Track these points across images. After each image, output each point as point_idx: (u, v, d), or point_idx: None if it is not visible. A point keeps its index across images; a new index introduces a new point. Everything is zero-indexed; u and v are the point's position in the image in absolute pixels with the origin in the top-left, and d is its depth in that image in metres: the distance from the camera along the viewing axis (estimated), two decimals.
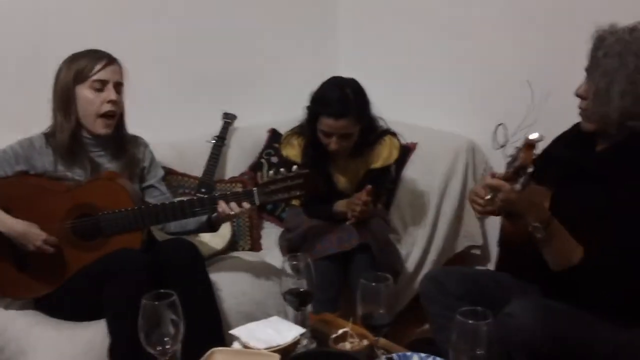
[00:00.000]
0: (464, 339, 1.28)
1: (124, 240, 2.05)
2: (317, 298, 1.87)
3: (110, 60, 2.10)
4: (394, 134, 2.51)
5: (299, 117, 2.49)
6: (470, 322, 1.27)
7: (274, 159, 2.97)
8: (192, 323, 1.44)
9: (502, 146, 2.79)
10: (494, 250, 2.86)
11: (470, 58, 2.92)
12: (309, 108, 2.42)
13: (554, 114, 1.98)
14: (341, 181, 2.55)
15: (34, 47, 2.48)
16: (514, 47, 2.75)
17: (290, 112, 2.62)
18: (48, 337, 1.97)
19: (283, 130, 2.68)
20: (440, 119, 3.03)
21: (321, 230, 2.43)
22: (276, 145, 2.93)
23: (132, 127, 2.28)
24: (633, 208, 1.61)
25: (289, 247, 2.49)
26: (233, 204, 2.03)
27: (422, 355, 1.52)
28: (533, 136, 1.50)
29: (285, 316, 2.04)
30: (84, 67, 2.07)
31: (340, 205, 2.46)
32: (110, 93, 2.08)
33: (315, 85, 2.42)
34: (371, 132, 2.47)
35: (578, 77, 1.76)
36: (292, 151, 2.48)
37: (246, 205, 2.03)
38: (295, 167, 2.02)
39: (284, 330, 1.64)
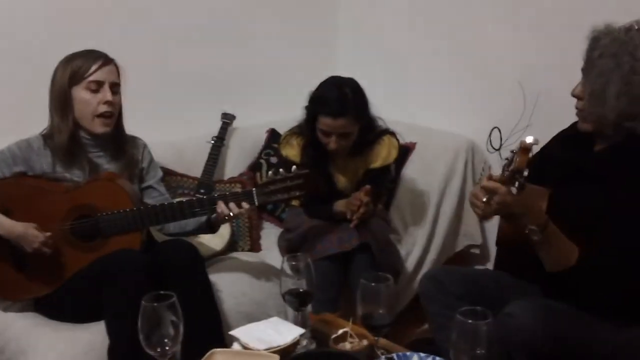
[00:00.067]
0: (464, 339, 1.28)
1: (123, 241, 2.05)
2: (317, 298, 1.87)
3: (106, 60, 2.10)
4: (392, 134, 2.51)
5: (298, 117, 2.49)
6: (470, 321, 1.27)
7: (273, 159, 2.97)
8: (191, 324, 1.44)
9: (497, 150, 2.81)
10: (493, 250, 2.86)
11: (470, 58, 2.93)
12: (307, 108, 2.42)
13: (549, 115, 1.98)
14: (341, 181, 2.55)
15: (32, 47, 2.47)
16: (513, 48, 2.76)
17: (289, 112, 2.62)
18: (48, 338, 1.97)
19: (282, 130, 2.68)
20: (439, 119, 3.03)
21: (321, 230, 2.43)
22: (275, 145, 2.92)
23: (131, 127, 2.28)
24: (631, 208, 1.61)
25: (289, 248, 2.49)
26: (232, 205, 2.03)
27: (422, 355, 1.52)
28: (528, 140, 1.50)
29: (285, 317, 2.04)
30: (79, 68, 2.06)
31: (340, 205, 2.46)
32: (106, 94, 2.08)
33: (314, 85, 2.42)
34: (370, 131, 2.47)
35: (574, 77, 1.75)
36: (292, 151, 2.48)
37: (245, 205, 2.03)
38: (294, 167, 2.02)
39: (284, 331, 1.64)
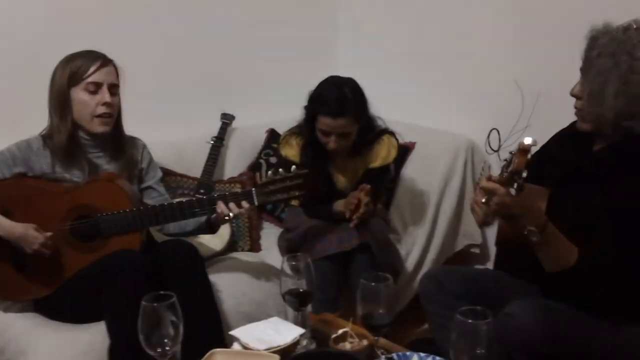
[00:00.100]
0: (463, 339, 1.28)
1: (123, 241, 2.05)
2: (317, 298, 1.87)
3: (104, 61, 2.10)
4: (392, 133, 2.51)
5: (297, 117, 2.49)
6: (470, 321, 1.27)
7: (273, 159, 2.97)
8: (191, 324, 1.44)
9: (496, 151, 2.81)
10: (493, 249, 2.86)
11: (469, 57, 2.93)
12: (307, 107, 2.42)
13: (548, 116, 1.98)
14: (340, 181, 2.55)
15: (31, 47, 2.47)
16: (512, 48, 2.76)
17: (288, 112, 2.62)
18: (48, 339, 1.97)
19: (282, 130, 2.68)
20: (439, 118, 3.03)
21: (321, 230, 2.43)
22: (275, 145, 2.92)
23: (131, 127, 2.28)
24: (629, 208, 1.61)
25: (289, 248, 2.49)
26: (232, 205, 2.03)
27: (422, 355, 1.52)
28: (527, 141, 1.50)
29: (285, 317, 2.04)
30: (78, 69, 2.06)
31: (339, 205, 2.46)
32: (104, 95, 2.08)
33: (313, 85, 2.42)
34: (369, 131, 2.47)
35: (573, 78, 1.75)
36: (291, 151, 2.48)
37: (245, 205, 2.02)
38: (294, 167, 2.02)
39: (284, 331, 1.64)
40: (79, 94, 2.07)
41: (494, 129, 2.82)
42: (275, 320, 1.74)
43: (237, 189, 2.70)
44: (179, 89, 2.93)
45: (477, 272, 2.11)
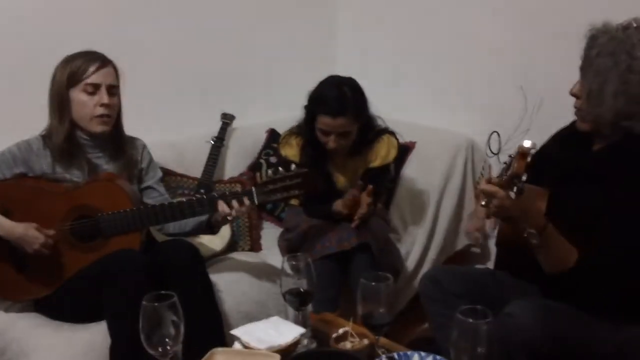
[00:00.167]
0: (464, 338, 1.28)
1: (123, 241, 2.05)
2: (317, 298, 1.87)
3: (103, 62, 2.10)
4: (392, 133, 2.51)
5: (297, 117, 2.49)
6: (470, 320, 1.27)
7: (273, 159, 2.97)
8: (192, 324, 1.45)
9: (496, 154, 2.81)
10: (493, 249, 2.86)
11: (470, 58, 2.93)
12: (306, 107, 2.42)
13: (549, 119, 1.98)
14: (340, 180, 2.55)
15: (31, 47, 2.47)
16: (515, 50, 2.76)
17: (288, 112, 2.62)
18: (48, 339, 1.97)
19: (282, 130, 2.68)
20: (439, 118, 3.03)
21: (321, 229, 2.44)
22: (275, 145, 2.93)
23: (131, 127, 2.28)
24: (629, 208, 1.61)
25: (289, 247, 2.49)
26: (233, 203, 2.03)
27: (423, 354, 1.51)
28: (526, 144, 1.50)
29: (285, 316, 2.04)
30: (77, 70, 2.06)
31: (339, 205, 2.45)
32: (102, 96, 2.07)
33: (313, 85, 2.42)
34: (369, 130, 2.47)
35: (574, 81, 1.75)
36: (291, 151, 2.48)
37: (246, 202, 2.02)
38: (293, 166, 2.02)
39: (285, 330, 1.64)
40: (77, 95, 2.07)
41: (494, 131, 2.82)
42: (275, 320, 1.74)
43: (238, 188, 2.70)
44: (179, 89, 2.93)
45: (477, 272, 2.10)
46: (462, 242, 2.95)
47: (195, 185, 2.74)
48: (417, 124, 3.01)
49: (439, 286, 1.89)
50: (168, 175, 2.65)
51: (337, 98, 2.32)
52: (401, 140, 2.59)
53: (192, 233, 2.26)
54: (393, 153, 2.49)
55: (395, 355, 1.50)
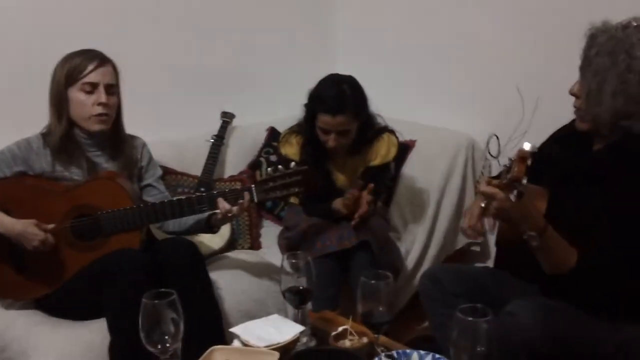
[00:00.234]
0: (464, 336, 1.28)
1: (123, 240, 2.05)
2: (317, 296, 1.87)
3: (101, 61, 2.09)
4: (392, 131, 2.51)
5: (297, 116, 2.49)
6: (470, 319, 1.27)
7: (273, 158, 2.97)
8: (192, 321, 1.45)
9: (495, 157, 2.80)
10: (493, 247, 2.86)
11: (470, 56, 2.93)
12: (306, 106, 2.42)
13: (548, 121, 1.97)
14: (340, 179, 2.55)
15: (31, 47, 2.47)
16: (514, 51, 2.76)
17: (288, 111, 2.62)
18: (49, 337, 1.97)
19: (282, 128, 2.68)
20: (439, 116, 3.03)
21: (320, 228, 2.44)
22: (275, 143, 2.92)
23: (131, 126, 2.28)
24: (629, 208, 1.61)
25: (289, 246, 2.49)
26: (232, 200, 2.03)
27: (422, 352, 1.51)
28: (526, 147, 1.49)
29: (285, 314, 2.04)
30: (75, 68, 2.06)
31: (338, 204, 2.45)
32: (100, 95, 2.07)
33: (313, 83, 2.42)
34: (369, 129, 2.47)
35: (574, 82, 1.74)
36: (291, 149, 2.48)
37: (246, 196, 2.02)
38: (293, 163, 2.02)
39: (284, 329, 1.64)
40: (75, 94, 2.07)
41: (493, 134, 2.80)
42: (275, 318, 1.74)
43: (238, 187, 2.70)
44: (179, 88, 2.93)
45: (476, 271, 2.10)
46: (462, 240, 2.95)
47: (196, 183, 2.74)
48: (417, 123, 3.01)
49: (439, 285, 1.88)
50: (168, 173, 2.65)
51: (337, 96, 2.31)
52: (401, 139, 2.59)
53: (192, 232, 2.25)
54: (393, 151, 2.49)
55: (395, 354, 1.50)
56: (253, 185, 2.02)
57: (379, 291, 1.48)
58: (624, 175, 1.63)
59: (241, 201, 2.00)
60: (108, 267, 1.95)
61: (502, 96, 2.80)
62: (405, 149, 2.89)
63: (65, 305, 2.06)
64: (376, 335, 1.56)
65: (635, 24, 1.61)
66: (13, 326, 2.03)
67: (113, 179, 2.11)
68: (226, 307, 2.23)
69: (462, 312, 1.28)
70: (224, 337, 2.01)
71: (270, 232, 2.83)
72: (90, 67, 2.06)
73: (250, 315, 2.15)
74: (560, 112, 1.82)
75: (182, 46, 2.91)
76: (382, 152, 2.47)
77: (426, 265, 2.77)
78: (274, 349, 1.54)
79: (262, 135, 3.08)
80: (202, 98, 3.00)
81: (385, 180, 2.70)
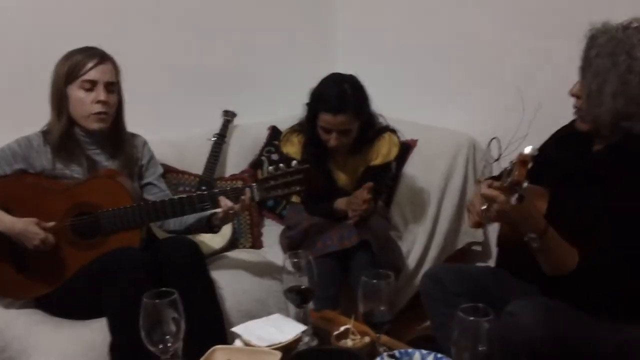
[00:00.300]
0: (465, 336, 1.28)
1: (123, 238, 2.05)
2: (318, 295, 1.87)
3: (101, 59, 2.09)
4: (393, 131, 2.51)
5: (298, 115, 2.49)
6: (471, 318, 1.27)
7: (274, 156, 2.97)
8: (193, 321, 1.45)
9: (496, 160, 2.79)
10: (494, 247, 2.87)
11: (470, 56, 2.93)
12: (308, 105, 2.42)
13: (549, 123, 1.97)
14: (341, 178, 2.55)
15: (32, 47, 2.47)
16: (514, 52, 2.75)
17: (290, 110, 2.62)
18: (49, 336, 1.97)
19: (283, 127, 2.68)
20: (439, 116, 3.03)
21: (322, 227, 2.44)
22: (276, 142, 2.93)
23: (133, 125, 2.28)
24: (629, 208, 1.61)
25: (290, 245, 2.49)
26: (234, 199, 2.03)
27: (424, 352, 1.52)
28: (527, 150, 1.49)
29: (286, 314, 2.04)
30: (75, 66, 2.06)
31: (340, 203, 2.45)
32: (99, 93, 2.07)
33: (315, 83, 2.42)
34: (370, 128, 2.47)
35: (573, 82, 1.74)
36: (292, 148, 2.48)
37: (247, 192, 2.01)
38: (294, 162, 2.01)
39: (286, 328, 1.64)
40: (75, 91, 2.07)
41: (494, 137, 2.79)
42: (276, 318, 1.74)
43: (239, 185, 2.70)
44: (181, 86, 2.93)
45: (477, 270, 2.10)
46: (462, 240, 2.95)
47: (197, 182, 2.74)
48: (417, 123, 3.01)
49: (440, 284, 1.88)
50: (169, 172, 2.65)
51: (338, 96, 2.31)
52: (402, 138, 2.59)
53: (193, 231, 2.25)
54: (394, 151, 2.49)
55: (397, 353, 1.50)
56: (254, 184, 2.02)
57: (379, 291, 1.48)
58: (624, 176, 1.63)
59: (243, 197, 2.00)
60: (108, 266, 1.95)
61: (502, 96, 2.80)
62: (406, 148, 2.89)
63: (65, 304, 2.05)
64: (378, 335, 1.56)
65: (635, 25, 1.61)
66: (13, 325, 2.03)
67: (113, 177, 2.11)
68: (227, 306, 2.23)
69: (463, 311, 1.28)
70: (225, 337, 2.00)
71: (271, 231, 2.83)
72: (90, 65, 2.06)
73: (252, 314, 2.15)
74: (561, 113, 1.82)
75: (182, 46, 2.91)
76: (383, 151, 2.47)
77: (427, 265, 2.77)
78: (275, 349, 1.53)
79: (264, 134, 3.08)
80: (202, 98, 3.00)
81: (386, 179, 2.70)
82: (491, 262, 2.94)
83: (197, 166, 2.78)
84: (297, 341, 1.62)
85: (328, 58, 3.41)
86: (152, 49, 2.80)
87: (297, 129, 2.50)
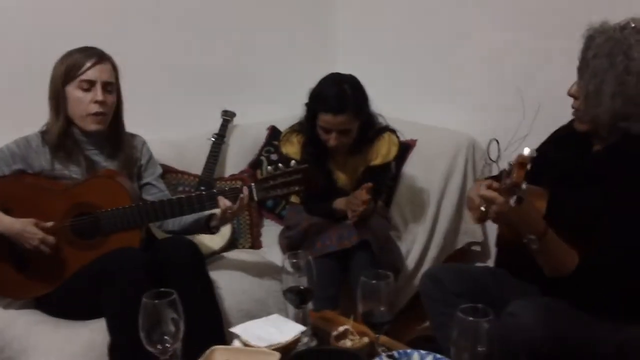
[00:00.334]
0: (464, 336, 1.28)
1: (123, 238, 2.05)
2: (317, 296, 1.87)
3: (99, 59, 2.08)
4: (393, 131, 2.51)
5: (298, 115, 2.49)
6: (470, 319, 1.27)
7: (274, 157, 2.97)
8: (192, 321, 1.45)
9: (495, 161, 2.79)
10: (494, 247, 2.87)
11: (470, 56, 2.92)
12: (307, 105, 2.42)
13: (549, 124, 1.97)
14: (341, 178, 2.55)
15: (32, 46, 2.47)
16: (512, 49, 2.75)
17: (289, 110, 2.62)
18: (49, 336, 1.97)
19: (283, 127, 2.68)
20: (439, 116, 3.03)
21: (321, 227, 2.43)
22: (276, 142, 2.93)
23: (132, 125, 2.28)
24: (629, 208, 1.61)
25: (289, 245, 2.49)
26: (233, 199, 2.02)
27: (423, 352, 1.51)
28: (526, 152, 1.49)
29: (285, 314, 2.04)
30: (73, 65, 2.06)
31: (339, 203, 2.45)
32: (97, 93, 2.06)
33: (314, 83, 2.42)
34: (370, 128, 2.47)
35: (573, 81, 1.74)
36: (292, 149, 2.48)
37: (245, 191, 2.01)
38: (293, 161, 2.01)
39: (285, 328, 1.64)
40: (73, 91, 2.07)
41: (493, 139, 2.79)
42: (275, 318, 1.74)
43: (238, 186, 2.69)
44: (180, 86, 2.93)
45: (477, 270, 2.10)
46: (462, 240, 2.95)
47: (196, 182, 2.74)
48: (417, 123, 3.01)
49: (440, 285, 1.88)
50: (169, 172, 2.65)
51: (338, 96, 2.31)
52: (402, 138, 2.59)
53: (192, 232, 2.25)
54: (394, 151, 2.49)
55: (396, 354, 1.50)
56: (253, 184, 2.02)
57: (379, 291, 1.48)
58: (623, 176, 1.63)
59: (241, 195, 2.00)
60: (107, 266, 1.94)
61: (502, 96, 2.80)
62: (406, 148, 2.89)
63: (65, 304, 2.05)
64: (377, 335, 1.56)
65: (633, 25, 1.60)
66: (13, 325, 2.02)
67: (113, 177, 2.11)
68: (226, 306, 2.23)
69: (463, 312, 1.28)
70: (224, 337, 2.00)
71: (271, 231, 2.82)
72: (88, 64, 2.06)
73: (251, 315, 2.15)
74: (561, 113, 1.82)
75: (182, 46, 2.91)
76: (382, 151, 2.47)
77: (427, 265, 2.77)
78: (274, 349, 1.53)
79: (263, 134, 3.08)
80: (202, 98, 3.00)
81: (386, 179, 2.70)
82: (490, 262, 2.94)
83: (196, 166, 2.78)
84: (296, 342, 1.62)
85: (328, 58, 3.41)
86: (152, 49, 2.80)
87: (296, 129, 2.50)
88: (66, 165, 2.12)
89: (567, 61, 1.76)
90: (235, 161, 2.97)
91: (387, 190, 2.83)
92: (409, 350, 1.53)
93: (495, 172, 2.82)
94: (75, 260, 2.04)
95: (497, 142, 2.77)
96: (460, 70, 2.98)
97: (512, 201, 1.50)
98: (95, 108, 2.07)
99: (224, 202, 2.01)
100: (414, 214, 2.86)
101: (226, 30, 3.04)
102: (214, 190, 2.06)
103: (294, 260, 1.64)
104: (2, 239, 1.99)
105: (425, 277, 1.96)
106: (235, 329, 1.66)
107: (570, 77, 1.73)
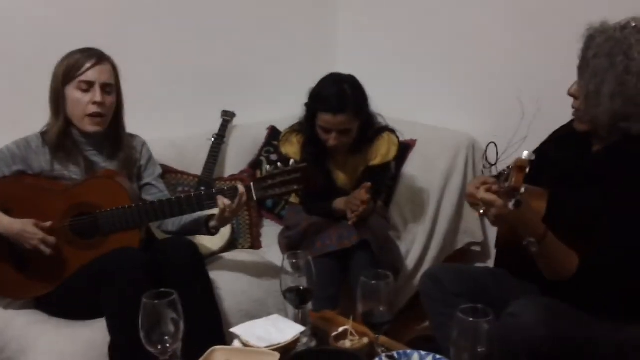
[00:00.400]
0: (464, 337, 1.28)
1: (123, 238, 2.05)
2: (317, 296, 1.87)
3: (99, 59, 2.08)
4: (392, 131, 2.51)
5: (298, 115, 2.49)
6: (470, 319, 1.27)
7: (274, 157, 2.97)
8: (192, 322, 1.45)
9: (493, 165, 2.78)
10: (493, 247, 2.87)
11: (470, 56, 2.92)
12: (307, 105, 2.42)
13: (548, 126, 1.97)
14: (340, 178, 2.55)
15: (31, 47, 2.47)
16: (514, 55, 2.75)
17: (289, 110, 2.62)
18: (48, 336, 1.97)
19: (282, 127, 2.68)
20: (439, 116, 3.03)
21: (321, 227, 2.43)
22: (275, 142, 2.93)
23: (132, 125, 2.28)
24: (629, 208, 1.60)
25: (289, 245, 2.49)
26: (232, 199, 2.02)
27: (423, 353, 1.51)
28: (524, 156, 1.49)
29: (285, 314, 2.04)
30: (73, 66, 2.06)
31: (339, 203, 2.45)
32: (96, 94, 2.06)
33: (314, 83, 2.42)
34: (370, 128, 2.47)
35: (573, 81, 1.73)
36: (291, 149, 2.48)
37: (242, 189, 2.00)
38: (292, 161, 2.01)
39: (285, 329, 1.64)
40: (72, 92, 2.07)
41: (491, 142, 2.78)
42: (275, 318, 1.73)
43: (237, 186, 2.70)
44: (179, 87, 2.93)
45: (477, 270, 2.10)
46: (462, 240, 2.95)
47: (196, 182, 2.74)
48: (417, 123, 3.01)
49: (439, 285, 1.88)
50: (168, 172, 2.65)
51: (338, 95, 2.31)
52: (401, 138, 2.59)
53: (191, 232, 2.25)
54: (394, 151, 2.49)
55: (395, 354, 1.50)
56: (252, 183, 2.02)
57: (379, 291, 1.48)
58: (623, 176, 1.63)
59: (240, 192, 1.99)
60: (107, 266, 1.94)
61: (502, 96, 2.80)
62: (405, 148, 2.89)
63: (65, 304, 2.05)
64: (376, 336, 1.56)
65: (633, 25, 1.60)
66: (12, 325, 2.03)
67: (112, 177, 2.11)
68: (226, 307, 2.23)
69: (462, 312, 1.28)
70: (224, 338, 2.00)
71: (270, 231, 2.82)
72: (87, 65, 2.06)
73: (251, 315, 2.15)
74: (561, 113, 1.81)
75: (182, 46, 2.91)
76: (382, 151, 2.47)
77: (426, 265, 2.77)
78: (274, 349, 1.53)
79: (263, 134, 3.08)
80: (202, 98, 3.00)
81: (386, 179, 2.70)
82: (490, 263, 2.94)
83: (196, 166, 2.78)
84: (295, 342, 1.62)
85: (328, 58, 3.41)
86: (152, 49, 2.80)
87: (296, 129, 2.50)
88: (66, 166, 2.12)
89: (567, 61, 1.76)
90: (235, 161, 2.97)
91: (386, 190, 2.83)
92: (408, 351, 1.52)
93: (494, 174, 2.82)
94: (75, 260, 2.04)
95: (496, 145, 2.76)
96: (460, 70, 2.98)
97: (511, 204, 1.50)
98: (93, 109, 2.07)
99: (223, 200, 2.01)
100: (413, 214, 2.86)
101: (226, 30, 3.04)
102: (213, 190, 2.06)
103: (294, 261, 1.63)
104: (2, 239, 1.99)
105: (425, 277, 1.96)
106: (235, 329, 1.66)
107: (570, 76, 1.73)
